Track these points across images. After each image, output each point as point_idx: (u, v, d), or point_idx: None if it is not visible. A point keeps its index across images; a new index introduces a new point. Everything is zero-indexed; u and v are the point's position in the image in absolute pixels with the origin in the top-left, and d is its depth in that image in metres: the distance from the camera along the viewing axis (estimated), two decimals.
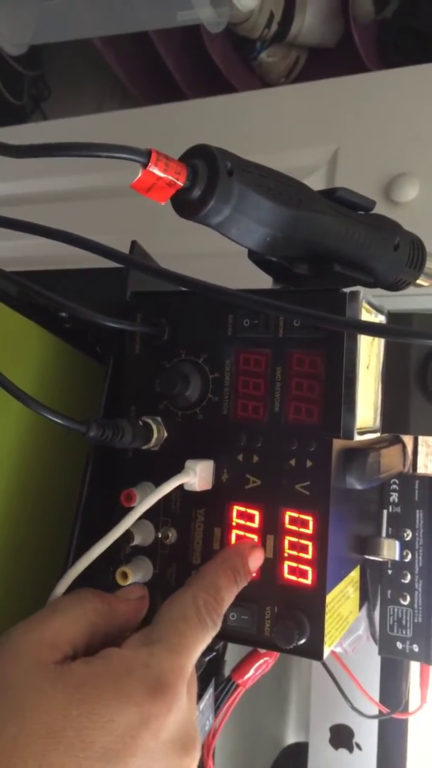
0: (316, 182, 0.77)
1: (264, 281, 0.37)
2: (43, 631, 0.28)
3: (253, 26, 1.03)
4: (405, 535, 0.45)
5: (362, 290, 0.31)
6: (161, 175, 0.27)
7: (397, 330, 0.23)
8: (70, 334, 0.46)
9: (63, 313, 0.45)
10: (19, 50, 1.01)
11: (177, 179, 0.27)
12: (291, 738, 0.74)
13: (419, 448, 0.57)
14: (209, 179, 0.27)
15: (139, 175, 0.27)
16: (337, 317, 0.26)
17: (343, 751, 0.58)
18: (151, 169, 0.26)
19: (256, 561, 0.33)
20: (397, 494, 0.46)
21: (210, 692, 0.43)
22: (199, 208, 0.27)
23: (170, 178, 0.27)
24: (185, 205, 0.28)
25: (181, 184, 0.27)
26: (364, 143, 0.81)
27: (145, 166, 0.26)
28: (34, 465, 0.41)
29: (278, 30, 1.04)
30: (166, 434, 0.36)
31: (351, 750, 0.58)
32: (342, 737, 0.58)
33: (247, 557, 0.33)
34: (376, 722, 0.56)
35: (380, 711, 0.49)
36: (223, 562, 0.33)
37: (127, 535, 0.34)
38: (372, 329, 0.26)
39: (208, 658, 0.39)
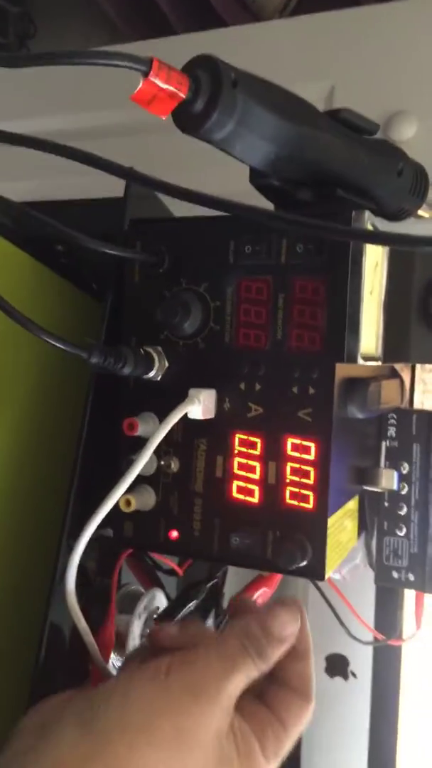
0: None
1: None
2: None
3: None
4: (402, 468, 0.46)
5: (367, 211, 0.31)
6: (162, 86, 0.26)
7: (409, 238, 0.23)
8: (67, 269, 0.45)
9: (59, 247, 0.44)
10: None
11: (179, 90, 0.26)
12: None
13: (416, 386, 0.57)
14: (213, 91, 0.26)
15: (140, 85, 0.26)
16: (347, 228, 0.26)
17: (338, 680, 0.60)
18: (152, 79, 0.25)
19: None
20: (395, 428, 0.46)
21: (210, 623, 0.45)
22: (202, 121, 0.26)
23: (172, 89, 0.26)
24: (188, 118, 0.27)
25: (183, 96, 0.26)
26: (361, 80, 0.78)
27: (145, 75, 0.25)
28: (34, 400, 0.41)
29: None
30: (167, 364, 0.36)
31: (346, 678, 0.60)
32: (337, 666, 0.60)
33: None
34: (370, 651, 0.58)
35: (375, 638, 0.51)
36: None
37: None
38: (382, 238, 0.25)
39: (209, 584, 0.40)
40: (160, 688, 0.28)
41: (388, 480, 0.42)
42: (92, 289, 0.48)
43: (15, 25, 1.32)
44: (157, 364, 0.35)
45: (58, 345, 0.30)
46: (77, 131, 0.87)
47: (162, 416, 0.34)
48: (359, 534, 0.43)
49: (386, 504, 0.46)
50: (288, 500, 0.33)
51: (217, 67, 0.26)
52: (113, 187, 0.38)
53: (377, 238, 0.25)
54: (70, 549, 0.32)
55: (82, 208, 0.44)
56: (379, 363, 0.36)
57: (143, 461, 0.33)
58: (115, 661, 0.36)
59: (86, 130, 0.87)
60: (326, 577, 0.33)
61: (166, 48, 0.92)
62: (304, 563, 0.33)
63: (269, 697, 0.31)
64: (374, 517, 0.45)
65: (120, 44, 1.05)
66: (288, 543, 0.33)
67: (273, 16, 1.09)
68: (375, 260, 0.33)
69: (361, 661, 0.59)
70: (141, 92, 0.26)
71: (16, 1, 1.26)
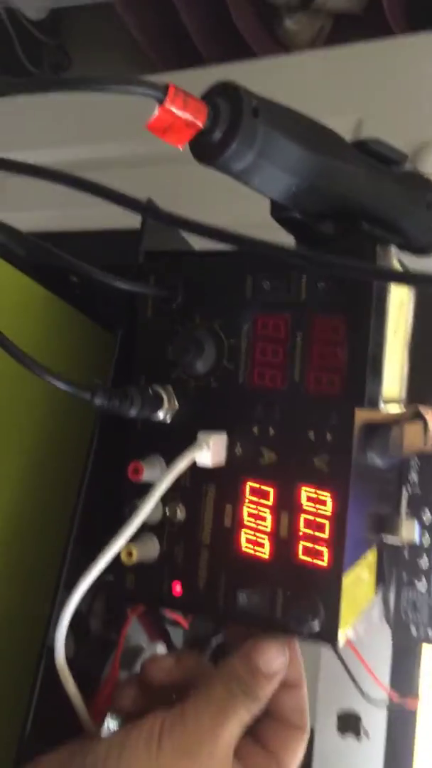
0: None
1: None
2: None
3: None
4: (424, 516, 0.43)
5: (393, 246, 0.29)
6: (179, 113, 0.24)
7: None
8: (80, 301, 0.44)
9: (73, 278, 0.43)
10: (39, 14, 0.98)
11: (196, 119, 0.24)
12: None
13: None
14: (232, 119, 0.24)
15: (155, 113, 0.24)
16: (376, 266, 0.24)
17: (350, 738, 0.57)
18: (168, 107, 0.24)
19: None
20: (417, 474, 0.44)
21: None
22: (220, 151, 0.25)
23: (189, 117, 0.24)
24: (205, 148, 0.25)
25: (201, 125, 0.25)
26: (390, 111, 0.77)
27: (161, 102, 0.24)
28: (39, 439, 0.40)
29: None
30: (177, 404, 0.34)
31: (359, 737, 0.56)
32: (349, 724, 0.56)
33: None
34: (385, 709, 0.55)
35: (390, 698, 0.47)
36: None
37: None
38: (411, 278, 0.23)
39: (215, 640, 0.38)
40: (154, 755, 0.27)
41: (409, 531, 0.39)
42: (106, 321, 0.46)
43: (49, 56, 1.34)
44: (166, 404, 0.33)
45: (60, 385, 0.29)
46: (96, 161, 0.87)
47: (170, 459, 0.32)
48: (377, 587, 0.40)
49: (406, 555, 0.44)
50: (300, 556, 0.31)
51: (238, 94, 0.25)
52: (134, 217, 0.36)
53: (406, 278, 0.23)
54: (63, 603, 0.30)
55: (97, 239, 0.43)
56: (402, 406, 0.33)
57: (147, 510, 0.30)
58: (111, 723, 0.34)
59: (106, 160, 0.87)
60: (340, 643, 0.30)
61: (196, 79, 0.92)
62: (316, 626, 0.30)
63: (264, 734, 0.31)
64: (392, 569, 0.42)
65: (151, 75, 1.06)
66: (299, 603, 0.30)
67: (303, 47, 1.09)
68: (400, 299, 0.32)
69: (375, 719, 0.55)
70: (156, 120, 0.24)
71: (51, 34, 1.29)
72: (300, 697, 0.32)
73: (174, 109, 0.24)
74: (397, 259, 0.29)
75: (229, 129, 0.24)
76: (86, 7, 1.03)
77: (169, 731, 0.28)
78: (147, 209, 0.25)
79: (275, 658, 0.30)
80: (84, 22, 1.30)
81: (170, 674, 0.31)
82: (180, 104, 0.24)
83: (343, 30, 1.07)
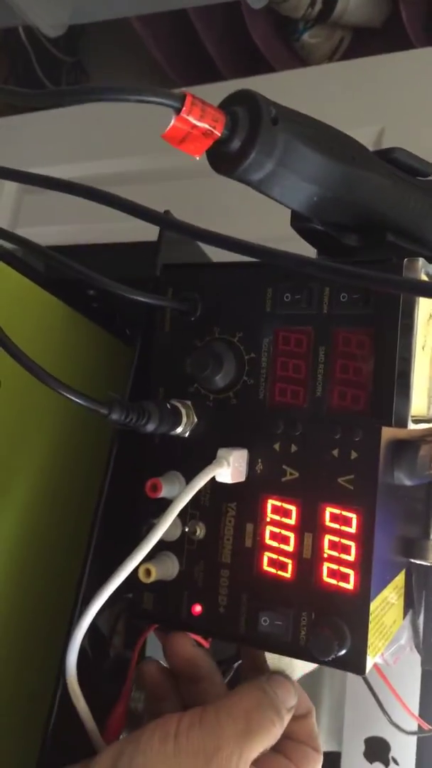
0: None
1: None
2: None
3: (297, 5, 0.99)
4: None
5: (421, 258, 0.28)
6: (196, 123, 0.23)
7: None
8: (98, 314, 0.44)
9: (91, 291, 0.43)
10: (56, 31, 0.99)
11: (214, 128, 0.24)
12: (323, 746, 0.71)
13: None
14: (251, 128, 0.24)
15: (172, 122, 0.23)
16: (404, 278, 0.23)
17: (378, 766, 0.54)
18: (185, 116, 0.23)
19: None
20: None
21: None
22: (238, 161, 0.24)
23: (206, 126, 0.24)
24: (223, 158, 0.24)
25: (219, 134, 0.24)
26: (411, 123, 0.76)
27: (178, 112, 0.23)
28: (55, 453, 0.39)
29: (322, 9, 1.00)
30: (196, 419, 0.33)
31: (387, 765, 0.54)
32: (377, 751, 0.54)
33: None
34: (414, 737, 0.53)
35: (420, 727, 0.45)
36: None
37: None
38: None
39: (236, 665, 0.36)
40: (171, 752, 0.27)
41: None
42: (125, 335, 0.46)
43: (68, 74, 1.36)
44: (184, 419, 0.32)
45: (76, 400, 0.28)
46: (117, 176, 0.88)
47: (189, 476, 0.31)
48: (405, 612, 0.39)
49: None
50: (325, 578, 0.30)
51: (256, 102, 0.24)
52: (153, 231, 0.36)
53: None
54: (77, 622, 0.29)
55: (116, 252, 0.42)
56: (431, 425, 0.32)
57: (164, 527, 0.30)
58: None
59: (126, 175, 0.87)
60: (367, 671, 0.29)
61: (215, 93, 0.91)
62: (342, 653, 0.29)
63: (286, 749, 0.31)
64: (422, 593, 0.41)
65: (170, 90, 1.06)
66: (324, 628, 0.29)
67: (321, 62, 1.09)
68: (429, 312, 0.30)
69: (404, 747, 0.53)
70: (173, 130, 0.24)
71: (69, 51, 1.30)
72: (312, 724, 0.33)
73: (191, 119, 0.23)
74: (425, 271, 0.28)
75: (247, 138, 0.24)
76: (104, 24, 1.04)
77: (186, 731, 0.27)
78: (164, 220, 0.24)
79: (292, 693, 0.31)
80: (101, 39, 1.32)
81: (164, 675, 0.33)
82: (197, 113, 0.23)
83: (363, 43, 1.07)
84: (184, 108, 0.23)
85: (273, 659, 0.32)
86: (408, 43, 0.96)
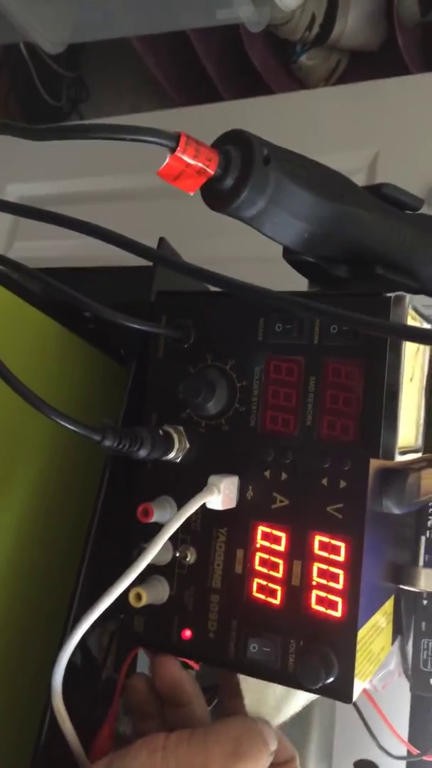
0: None
1: (299, 286, 0.34)
2: None
3: (294, 28, 1.00)
4: None
5: (408, 295, 0.28)
6: (191, 161, 0.24)
7: None
8: (94, 336, 0.44)
9: (87, 313, 0.43)
10: (56, 48, 1.01)
11: (207, 167, 0.24)
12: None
13: None
14: (243, 167, 0.24)
15: (167, 161, 0.24)
16: (385, 322, 0.23)
17: None
18: (179, 155, 0.24)
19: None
20: None
21: None
22: (231, 199, 0.25)
23: (200, 165, 0.24)
24: (216, 195, 0.25)
25: (212, 173, 0.24)
26: (406, 147, 0.78)
27: (173, 151, 0.24)
28: (47, 474, 0.39)
29: (320, 32, 1.01)
30: (188, 445, 0.33)
31: None
32: None
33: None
34: (404, 762, 0.53)
35: (409, 752, 0.45)
36: None
37: None
38: (422, 335, 0.23)
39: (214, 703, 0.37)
40: (158, 764, 0.27)
41: (428, 580, 0.38)
42: (120, 356, 0.46)
43: (68, 89, 1.37)
44: (176, 445, 0.33)
45: (68, 427, 0.28)
46: (108, 193, 0.88)
47: (181, 501, 0.32)
48: (394, 638, 0.39)
49: (424, 603, 0.42)
50: (314, 605, 0.30)
51: (249, 142, 0.25)
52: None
53: (417, 335, 0.23)
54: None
55: (111, 275, 0.43)
56: (419, 454, 0.33)
57: (154, 552, 0.30)
58: None
59: (117, 192, 0.88)
60: (354, 698, 0.29)
61: (213, 114, 0.93)
62: (330, 681, 0.29)
63: None
64: (411, 619, 0.41)
65: (168, 109, 1.08)
66: (311, 656, 0.29)
67: (319, 84, 1.10)
68: (416, 345, 0.31)
69: None
70: (168, 168, 0.24)
71: (70, 67, 1.32)
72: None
73: (185, 158, 0.24)
74: (412, 306, 0.29)
75: (240, 176, 0.24)
76: (104, 41, 1.05)
77: (174, 747, 0.27)
78: (159, 257, 0.25)
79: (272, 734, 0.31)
80: (102, 55, 1.33)
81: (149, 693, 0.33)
82: (192, 153, 0.24)
83: (360, 67, 1.08)
84: (178, 147, 0.24)
85: (252, 705, 0.32)
86: (404, 68, 0.98)
